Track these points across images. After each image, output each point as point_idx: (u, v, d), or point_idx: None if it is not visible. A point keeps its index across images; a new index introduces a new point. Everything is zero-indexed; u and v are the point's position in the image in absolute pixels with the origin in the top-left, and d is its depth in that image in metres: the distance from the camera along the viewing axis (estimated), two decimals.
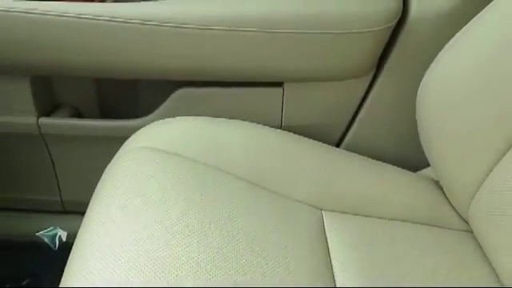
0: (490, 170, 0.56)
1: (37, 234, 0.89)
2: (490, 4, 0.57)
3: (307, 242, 0.56)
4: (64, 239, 0.89)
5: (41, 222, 0.90)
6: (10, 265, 0.87)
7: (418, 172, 0.74)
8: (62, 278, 0.50)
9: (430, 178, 0.70)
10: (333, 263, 0.55)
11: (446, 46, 0.60)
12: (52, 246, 0.89)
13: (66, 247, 0.87)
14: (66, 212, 0.90)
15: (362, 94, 0.75)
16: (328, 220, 0.61)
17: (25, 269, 0.87)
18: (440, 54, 0.60)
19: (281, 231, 0.55)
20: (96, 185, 0.61)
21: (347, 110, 0.76)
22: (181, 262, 0.47)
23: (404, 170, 0.70)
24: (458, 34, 0.59)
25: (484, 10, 0.57)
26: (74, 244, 0.54)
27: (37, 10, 0.64)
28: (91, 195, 0.60)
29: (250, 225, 0.54)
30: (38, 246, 0.89)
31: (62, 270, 0.83)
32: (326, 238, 0.58)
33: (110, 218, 0.52)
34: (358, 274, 0.53)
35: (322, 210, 0.61)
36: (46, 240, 0.89)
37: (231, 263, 0.49)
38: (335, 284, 0.52)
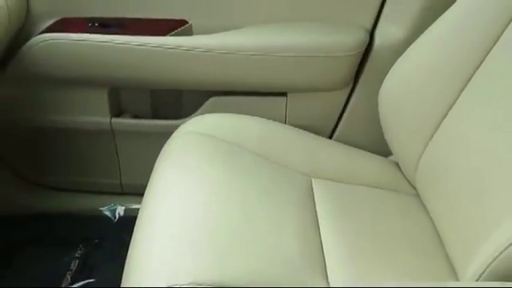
0: (426, 145, 0.82)
1: (100, 208, 1.18)
2: (428, 29, 0.84)
3: (297, 202, 0.80)
4: (122, 214, 1.17)
5: (104, 200, 1.18)
6: (81, 231, 1.15)
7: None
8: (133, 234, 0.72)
9: (391, 160, 0.96)
10: (319, 219, 0.79)
11: (398, 60, 0.87)
12: (112, 218, 1.17)
13: (123, 219, 1.16)
14: (123, 193, 1.18)
15: (344, 100, 1.03)
16: (316, 184, 0.86)
17: (93, 234, 1.14)
18: (394, 65, 0.87)
19: (276, 193, 0.80)
20: (148, 170, 0.86)
21: (334, 112, 1.04)
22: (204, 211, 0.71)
23: (373, 154, 0.97)
24: (407, 51, 0.86)
25: (424, 33, 0.84)
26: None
27: (118, 40, 0.95)
28: (145, 179, 0.84)
29: (254, 187, 0.79)
30: (102, 219, 1.17)
31: (120, 236, 1.11)
32: (313, 198, 0.84)
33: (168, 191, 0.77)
34: (338, 229, 0.75)
35: (311, 177, 0.88)
36: (107, 214, 1.17)
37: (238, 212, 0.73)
38: (320, 238, 0.76)
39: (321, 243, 0.73)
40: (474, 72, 0.75)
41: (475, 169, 0.67)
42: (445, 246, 0.72)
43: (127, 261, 0.66)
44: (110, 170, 1.15)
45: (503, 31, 0.73)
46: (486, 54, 0.74)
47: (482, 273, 0.49)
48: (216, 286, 0.57)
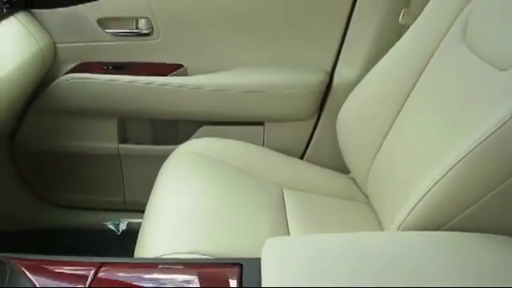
0: (373, 161, 1.03)
1: (104, 223, 1.36)
2: (372, 69, 1.07)
3: (271, 206, 1.01)
4: (124, 227, 1.36)
5: (108, 216, 1.36)
6: (88, 242, 1.32)
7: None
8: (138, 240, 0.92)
9: (349, 177, 1.17)
10: (287, 217, 1.00)
11: (350, 94, 1.10)
12: (116, 231, 1.35)
13: (126, 232, 1.35)
14: (126, 210, 1.37)
15: (311, 128, 1.26)
16: (286, 193, 1.06)
17: (99, 245, 1.32)
18: (348, 98, 1.10)
19: (254, 198, 1.01)
20: (149, 189, 1.05)
21: (304, 138, 1.26)
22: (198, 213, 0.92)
23: (335, 172, 1.18)
24: (357, 86, 1.09)
25: (369, 72, 1.07)
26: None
27: (126, 80, 1.18)
28: (145, 196, 1.03)
29: (235, 193, 1.00)
30: (107, 232, 1.35)
31: (123, 246, 1.30)
32: (284, 204, 1.04)
33: (170, 192, 0.98)
34: (303, 226, 0.96)
35: (283, 187, 1.08)
36: (112, 227, 1.36)
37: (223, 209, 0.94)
38: (289, 230, 0.95)
39: (289, 234, 0.93)
40: (405, 100, 0.98)
41: (405, 168, 0.88)
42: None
43: (139, 236, 0.87)
44: (115, 188, 1.35)
45: (427, 64, 0.96)
46: (413, 86, 0.97)
47: (400, 224, 0.69)
48: (210, 255, 0.76)
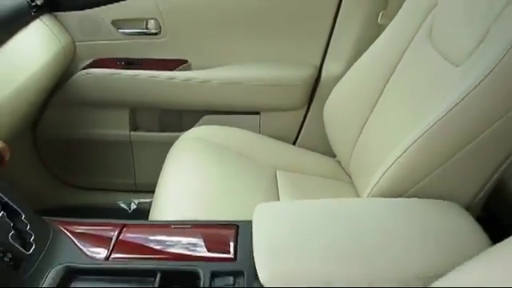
0: (355, 145, 1.18)
1: (117, 202, 1.51)
2: (354, 64, 1.21)
3: (265, 184, 1.16)
4: (135, 206, 1.51)
5: (121, 196, 1.52)
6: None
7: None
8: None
9: (336, 160, 1.31)
10: (279, 193, 1.15)
11: (336, 86, 1.24)
12: (128, 209, 1.51)
13: (137, 211, 1.50)
14: (137, 191, 1.52)
15: (302, 116, 1.40)
16: (279, 173, 1.21)
17: None
18: (333, 89, 1.24)
19: (250, 177, 1.16)
20: (157, 172, 1.20)
21: (295, 125, 1.41)
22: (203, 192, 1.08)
23: (323, 155, 1.33)
24: (341, 79, 1.23)
25: (352, 67, 1.21)
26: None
27: (137, 74, 1.33)
28: (154, 178, 1.17)
29: (234, 173, 1.15)
30: (119, 210, 1.50)
31: None
32: (276, 182, 1.19)
33: (177, 173, 1.13)
34: (292, 199, 1.12)
35: (276, 168, 1.23)
36: (124, 206, 1.51)
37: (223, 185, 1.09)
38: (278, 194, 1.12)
39: None
40: (382, 92, 1.12)
41: (377, 149, 1.03)
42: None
43: (150, 213, 1.02)
44: (127, 171, 1.50)
45: (400, 60, 1.10)
46: (388, 80, 1.11)
47: (370, 192, 0.84)
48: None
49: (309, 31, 1.35)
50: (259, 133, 1.40)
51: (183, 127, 1.42)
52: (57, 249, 0.73)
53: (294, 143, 1.43)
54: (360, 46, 1.29)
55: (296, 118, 1.41)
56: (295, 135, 1.43)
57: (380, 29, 1.22)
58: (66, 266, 0.70)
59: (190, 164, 1.18)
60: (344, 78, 1.23)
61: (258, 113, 1.41)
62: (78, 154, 1.49)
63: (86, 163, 1.50)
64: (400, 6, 1.14)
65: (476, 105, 0.78)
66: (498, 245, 0.55)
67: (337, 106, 1.24)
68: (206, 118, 1.42)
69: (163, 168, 1.20)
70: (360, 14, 1.29)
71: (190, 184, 1.10)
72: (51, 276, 0.68)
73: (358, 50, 1.27)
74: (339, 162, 1.29)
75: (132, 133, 1.44)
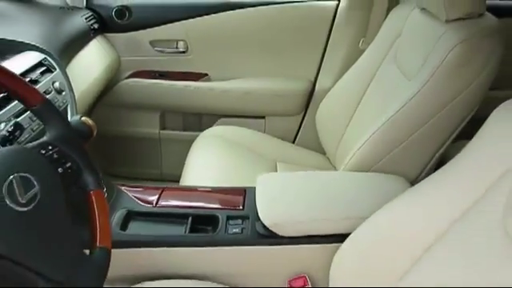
0: (339, 142, 1.50)
1: None
2: (342, 77, 1.54)
3: (267, 171, 1.47)
4: None
5: (149, 184, 1.83)
6: None
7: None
8: None
9: (326, 156, 1.63)
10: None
11: (326, 96, 1.56)
12: None
13: None
14: (163, 180, 1.85)
15: (300, 120, 1.73)
16: (279, 165, 1.53)
17: None
18: (324, 99, 1.56)
19: (256, 166, 1.48)
20: (181, 164, 1.52)
21: (294, 128, 1.74)
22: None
23: (316, 152, 1.64)
24: (331, 90, 1.56)
25: (339, 80, 1.54)
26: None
27: (168, 83, 1.67)
28: (178, 169, 1.49)
29: (243, 163, 1.47)
30: None
31: None
32: (276, 170, 1.50)
33: (198, 165, 1.46)
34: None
35: (276, 161, 1.55)
36: None
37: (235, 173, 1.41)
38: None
39: None
40: (360, 100, 1.44)
41: (354, 145, 1.34)
42: None
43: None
44: (155, 163, 1.83)
45: (374, 76, 1.42)
46: (365, 91, 1.43)
47: (344, 168, 1.16)
48: None
49: (306, 53, 1.69)
50: (264, 133, 1.73)
51: (202, 127, 1.75)
52: (120, 199, 1.05)
53: (293, 142, 1.76)
54: (345, 65, 1.61)
55: (295, 121, 1.74)
56: (294, 136, 1.76)
57: (360, 52, 1.55)
58: (127, 210, 1.02)
59: (208, 156, 1.50)
60: (332, 91, 1.56)
61: (263, 117, 1.74)
62: (115, 148, 1.82)
63: (122, 155, 1.84)
64: (375, 35, 1.48)
65: (418, 105, 1.10)
66: (415, 187, 0.85)
67: (326, 113, 1.57)
68: (221, 120, 1.75)
69: (187, 160, 1.52)
70: (346, 41, 1.63)
71: (209, 171, 1.42)
72: (117, 215, 1.00)
73: (344, 68, 1.60)
74: (328, 158, 1.61)
75: (161, 131, 1.78)
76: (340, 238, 0.90)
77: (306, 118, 1.73)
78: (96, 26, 1.57)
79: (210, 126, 1.73)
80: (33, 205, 0.59)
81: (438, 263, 0.75)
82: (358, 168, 1.15)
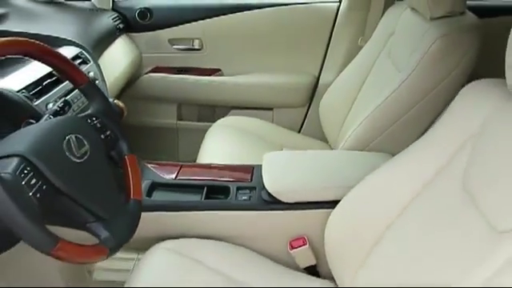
0: (340, 129, 1.65)
1: None
2: (341, 73, 1.70)
3: None
4: None
5: None
6: None
7: None
8: None
9: (327, 144, 1.79)
10: None
11: (328, 89, 1.72)
12: None
13: None
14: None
15: (305, 112, 1.89)
16: (284, 150, 1.69)
17: None
18: (326, 92, 1.72)
19: (265, 149, 1.63)
20: (196, 150, 1.69)
21: (300, 118, 1.90)
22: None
23: (318, 140, 1.80)
24: (332, 84, 1.71)
25: (339, 75, 1.70)
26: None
27: (185, 78, 1.84)
28: (193, 156, 1.67)
29: (253, 149, 1.63)
30: None
31: None
32: None
33: (211, 151, 1.62)
34: None
35: (282, 146, 1.71)
36: None
37: (246, 156, 1.58)
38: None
39: None
40: (359, 92, 1.59)
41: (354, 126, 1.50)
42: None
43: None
44: (173, 151, 2.01)
45: (370, 70, 1.57)
46: (363, 83, 1.59)
47: (341, 147, 1.31)
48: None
49: (310, 50, 1.86)
50: (272, 123, 1.89)
51: (215, 118, 1.91)
52: (145, 173, 1.22)
53: (298, 132, 1.92)
54: (346, 60, 1.77)
55: (300, 113, 1.91)
56: (300, 126, 1.92)
57: (359, 49, 1.70)
58: (152, 181, 1.19)
59: (221, 143, 1.66)
60: (333, 84, 1.71)
61: (271, 109, 1.91)
62: (136, 137, 1.99)
63: (142, 144, 2.00)
64: (372, 33, 1.63)
65: (405, 92, 1.25)
66: (393, 158, 1.01)
67: (328, 104, 1.72)
68: (232, 111, 1.92)
69: (201, 146, 1.69)
70: (346, 39, 1.79)
71: (221, 154, 1.58)
72: (143, 186, 1.17)
73: (345, 63, 1.75)
74: (330, 146, 1.76)
75: (178, 122, 1.95)
76: (333, 204, 1.06)
77: (310, 110, 1.89)
78: (121, 25, 1.75)
79: (223, 117, 1.90)
80: (85, 158, 0.76)
81: (414, 216, 0.90)
82: (352, 148, 1.31)
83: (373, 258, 0.95)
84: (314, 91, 1.87)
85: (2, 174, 0.63)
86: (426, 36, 1.24)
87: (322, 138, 1.79)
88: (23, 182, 0.65)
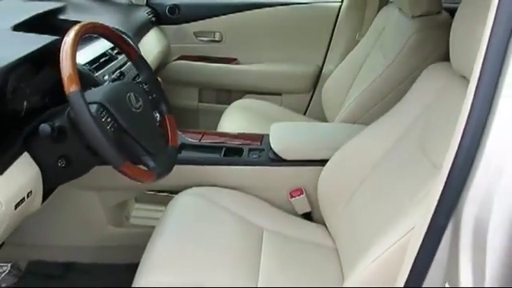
0: (339, 110, 1.93)
1: None
2: (340, 64, 1.98)
3: None
4: None
5: None
6: None
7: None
8: None
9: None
10: None
11: (330, 76, 2.00)
12: None
13: None
14: None
15: (310, 96, 2.17)
16: None
17: None
18: (328, 79, 2.00)
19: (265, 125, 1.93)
20: (214, 126, 1.98)
21: (305, 102, 2.18)
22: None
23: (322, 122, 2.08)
24: (333, 72, 2.00)
25: (338, 66, 1.98)
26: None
27: (207, 65, 2.14)
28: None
29: (262, 124, 1.93)
30: None
31: None
32: None
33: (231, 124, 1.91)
34: None
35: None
36: None
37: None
38: None
39: None
40: (355, 78, 1.87)
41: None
42: None
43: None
44: (194, 128, 2.29)
45: (365, 61, 1.85)
46: (358, 72, 1.86)
47: (337, 119, 1.60)
48: None
49: (315, 43, 2.15)
50: (281, 106, 2.18)
51: (231, 101, 2.20)
52: None
53: (304, 113, 2.20)
54: (345, 52, 2.05)
55: (306, 98, 2.20)
56: (305, 109, 2.20)
57: (357, 43, 1.98)
58: (181, 143, 1.48)
59: (236, 121, 1.95)
60: (334, 73, 2.00)
61: (280, 94, 2.20)
62: None
63: None
64: (368, 30, 1.91)
65: (387, 77, 1.53)
66: (370, 125, 1.29)
67: (329, 90, 2.00)
68: (246, 95, 2.22)
69: (219, 124, 1.98)
70: (346, 34, 2.08)
71: (236, 130, 1.87)
72: None
73: (344, 55, 2.03)
74: None
75: (199, 103, 2.25)
76: (325, 162, 1.34)
77: (314, 95, 2.18)
78: (153, 19, 2.05)
79: (237, 99, 2.19)
80: (140, 110, 1.06)
81: (382, 169, 1.18)
82: (345, 121, 1.59)
83: (352, 201, 1.23)
84: (317, 79, 2.16)
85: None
86: (406, 31, 1.52)
87: (324, 120, 2.07)
88: (102, 120, 0.95)
